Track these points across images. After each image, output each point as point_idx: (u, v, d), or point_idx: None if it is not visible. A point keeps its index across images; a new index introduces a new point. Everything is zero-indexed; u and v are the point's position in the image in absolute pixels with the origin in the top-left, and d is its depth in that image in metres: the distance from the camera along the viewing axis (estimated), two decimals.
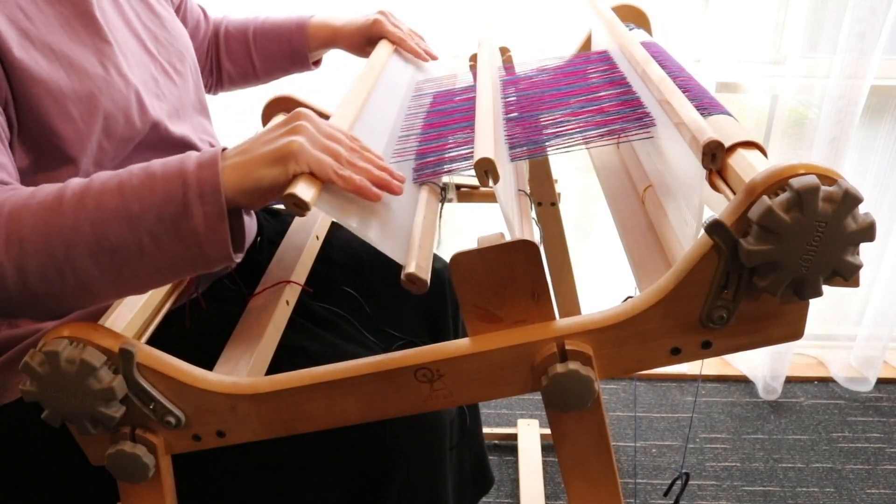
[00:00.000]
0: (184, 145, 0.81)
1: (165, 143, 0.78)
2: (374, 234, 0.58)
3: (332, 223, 1.00)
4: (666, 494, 1.35)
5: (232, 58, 1.05)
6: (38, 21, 0.67)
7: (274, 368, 0.70)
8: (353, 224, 0.56)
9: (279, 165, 0.55)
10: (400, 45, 0.99)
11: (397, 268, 0.98)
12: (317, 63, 1.07)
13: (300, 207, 0.52)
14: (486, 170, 0.58)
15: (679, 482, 1.29)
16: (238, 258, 0.58)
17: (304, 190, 0.53)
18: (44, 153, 0.67)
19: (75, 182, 0.57)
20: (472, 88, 0.86)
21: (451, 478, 0.86)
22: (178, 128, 0.80)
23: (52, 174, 0.68)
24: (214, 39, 1.04)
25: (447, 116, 0.80)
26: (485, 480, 1.08)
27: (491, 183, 0.58)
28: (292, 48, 1.03)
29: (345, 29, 1.01)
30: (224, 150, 0.57)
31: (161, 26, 0.84)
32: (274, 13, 1.05)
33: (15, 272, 0.54)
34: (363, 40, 1.01)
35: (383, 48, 0.95)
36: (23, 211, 0.55)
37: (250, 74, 1.06)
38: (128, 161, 0.70)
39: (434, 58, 1.03)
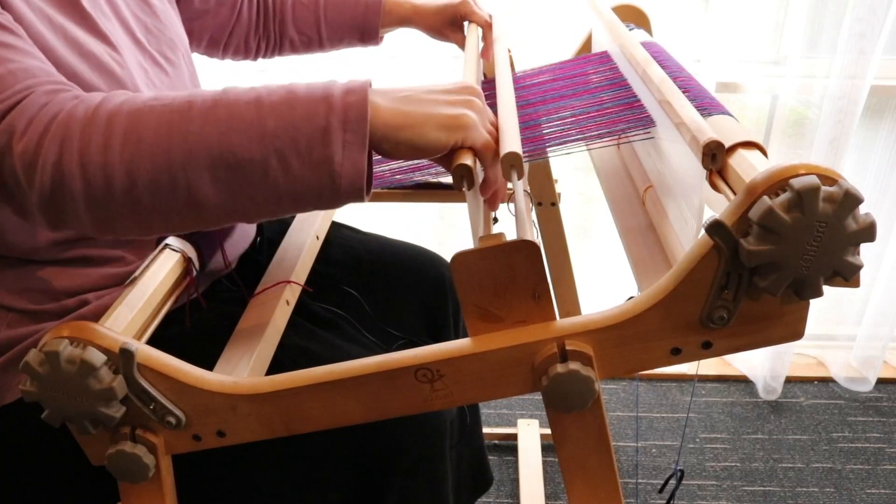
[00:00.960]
0: None
1: None
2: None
3: (332, 223, 1.00)
4: (660, 491, 1.35)
5: (298, 25, 1.00)
6: (34, 3, 0.66)
7: (274, 368, 0.70)
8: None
9: (447, 131, 0.53)
10: (485, 32, 0.95)
11: (397, 268, 0.98)
12: (381, 39, 1.02)
13: (467, 181, 0.52)
14: (513, 164, 0.57)
15: (673, 480, 1.29)
16: (368, 196, 0.54)
17: (473, 164, 0.53)
18: None
19: (206, 90, 0.53)
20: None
21: (451, 477, 0.86)
22: None
23: None
24: (281, 4, 1.00)
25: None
26: (484, 480, 1.08)
27: (515, 178, 0.58)
28: (365, 22, 0.99)
29: (425, 8, 0.97)
30: (370, 82, 0.54)
31: (152, 14, 0.81)
32: None
33: (125, 175, 0.51)
34: (444, 21, 0.97)
35: (476, 36, 0.91)
36: (145, 111, 0.52)
37: (314, 43, 1.02)
38: None
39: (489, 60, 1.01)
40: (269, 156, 0.51)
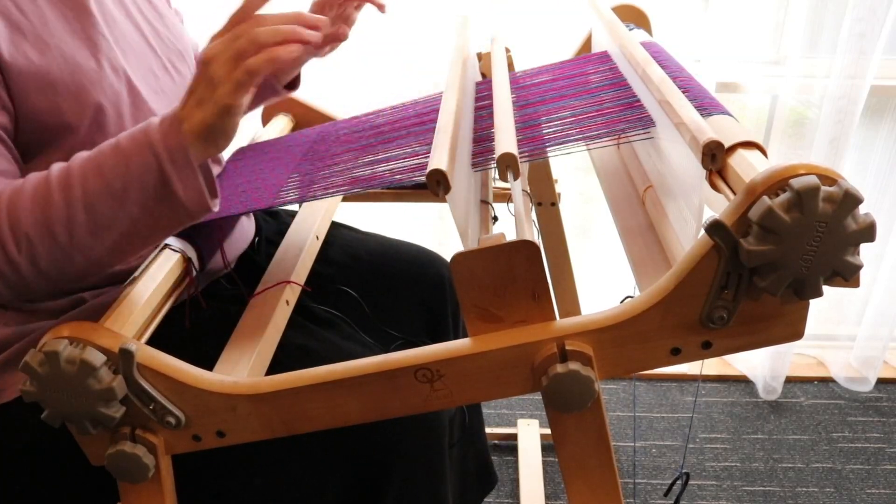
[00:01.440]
0: None
1: None
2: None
3: (332, 223, 1.00)
4: (666, 494, 1.35)
5: None
6: (32, 14, 0.67)
7: (274, 368, 0.70)
8: (459, 221, 0.58)
9: (229, 116, 0.58)
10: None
11: (397, 268, 0.98)
12: (292, 86, 0.94)
13: (442, 187, 0.54)
14: (509, 165, 0.57)
15: (679, 482, 1.30)
16: (215, 205, 0.62)
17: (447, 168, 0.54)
18: (32, 147, 0.67)
19: (56, 168, 0.61)
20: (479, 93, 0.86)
21: (454, 477, 0.86)
22: None
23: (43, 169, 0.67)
24: None
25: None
26: (488, 479, 1.08)
27: (511, 179, 0.58)
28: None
29: None
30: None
31: (162, 23, 0.83)
32: None
33: (29, 264, 0.60)
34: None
35: (462, 38, 0.91)
36: (18, 209, 0.59)
37: None
38: None
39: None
40: (131, 207, 0.60)
